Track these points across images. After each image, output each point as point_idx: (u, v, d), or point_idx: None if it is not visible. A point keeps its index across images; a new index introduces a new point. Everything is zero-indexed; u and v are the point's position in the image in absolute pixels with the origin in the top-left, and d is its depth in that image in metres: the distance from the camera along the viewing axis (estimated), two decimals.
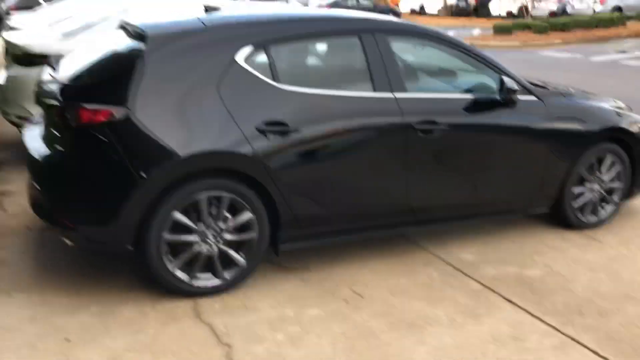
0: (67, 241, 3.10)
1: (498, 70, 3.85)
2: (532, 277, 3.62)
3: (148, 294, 3.20)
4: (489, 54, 4.05)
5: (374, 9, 30.88)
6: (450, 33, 4.48)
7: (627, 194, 4.49)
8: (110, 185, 2.95)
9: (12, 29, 6.13)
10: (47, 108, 3.31)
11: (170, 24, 3.33)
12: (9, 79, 5.20)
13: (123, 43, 3.30)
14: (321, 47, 3.71)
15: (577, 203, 4.26)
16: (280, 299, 3.26)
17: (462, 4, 34.91)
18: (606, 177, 4.32)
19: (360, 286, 3.44)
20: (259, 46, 3.23)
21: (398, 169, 3.53)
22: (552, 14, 28.45)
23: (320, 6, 26.81)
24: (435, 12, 35.88)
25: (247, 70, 3.15)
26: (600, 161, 4.27)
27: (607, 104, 4.44)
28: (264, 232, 3.28)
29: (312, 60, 3.72)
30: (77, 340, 2.81)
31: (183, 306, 3.14)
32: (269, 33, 3.30)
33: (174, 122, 3.02)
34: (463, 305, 3.27)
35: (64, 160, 3.05)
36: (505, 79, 3.73)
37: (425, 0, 37.87)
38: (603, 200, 4.40)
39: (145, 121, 2.95)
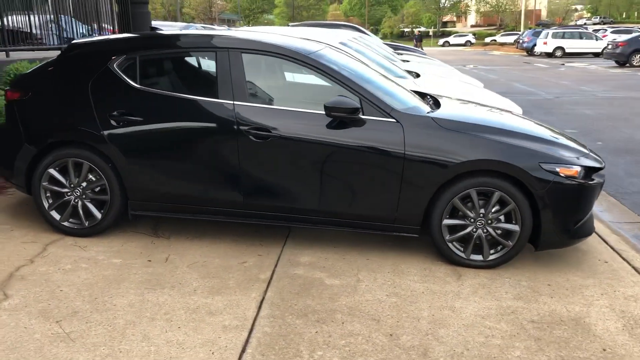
0: None
1: (351, 90, 4.08)
2: (306, 279, 3.81)
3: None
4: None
5: None
6: None
7: (542, 242, 4.07)
8: (12, 142, 4.40)
9: None
10: None
11: (95, 38, 4.62)
12: None
13: None
14: (185, 58, 4.51)
15: (451, 236, 4.10)
16: (113, 248, 4.26)
17: None
18: (492, 215, 4.04)
19: (176, 255, 4.20)
20: (131, 56, 4.28)
21: (231, 166, 4.14)
22: None
23: None
24: None
25: (114, 74, 4.25)
26: (488, 196, 4.03)
27: (525, 142, 4.04)
28: (115, 197, 4.31)
29: (174, 69, 4.54)
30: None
31: (48, 236, 4.41)
32: (141, 47, 4.33)
33: (55, 106, 4.31)
34: (221, 283, 3.76)
35: (3, 126, 4.60)
36: (342, 98, 3.96)
37: None
38: (495, 241, 4.10)
39: (37, 103, 4.32)
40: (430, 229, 4.11)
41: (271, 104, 4.16)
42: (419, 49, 18.95)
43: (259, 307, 3.48)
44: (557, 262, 4.28)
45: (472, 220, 4.05)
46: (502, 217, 4.05)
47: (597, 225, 5.23)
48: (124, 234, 4.53)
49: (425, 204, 4.04)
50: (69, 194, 4.36)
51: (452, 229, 4.11)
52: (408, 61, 10.23)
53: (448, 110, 4.37)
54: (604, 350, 3.14)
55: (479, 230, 4.07)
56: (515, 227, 4.02)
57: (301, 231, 4.68)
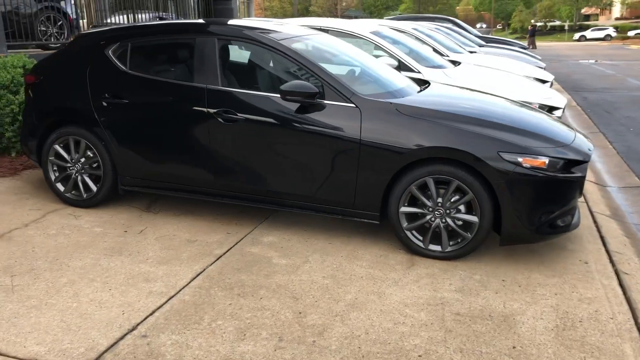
0: None
1: (315, 75, 4.12)
2: (256, 257, 3.93)
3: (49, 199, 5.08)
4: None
5: None
6: None
7: (503, 235, 3.87)
8: (29, 123, 4.96)
9: None
10: None
11: (101, 29, 5.06)
12: None
13: None
14: (171, 45, 4.73)
15: (410, 224, 4.03)
16: (102, 219, 4.67)
17: None
18: (450, 205, 3.91)
19: (152, 228, 4.50)
20: (123, 43, 4.66)
21: (203, 148, 4.36)
22: None
23: None
24: None
25: (109, 59, 4.65)
26: (447, 185, 3.91)
27: (496, 131, 3.84)
28: (107, 172, 4.72)
29: (159, 55, 4.77)
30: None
31: (52, 205, 4.92)
32: (133, 35, 4.68)
33: (59, 89, 4.80)
34: (174, 255, 3.99)
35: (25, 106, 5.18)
36: (299, 82, 4.02)
37: None
38: (455, 232, 3.97)
39: (46, 86, 4.84)
40: (388, 216, 4.05)
41: (241, 88, 4.30)
42: (519, 43, 17.99)
43: (194, 279, 3.66)
44: (530, 259, 4.03)
45: (431, 209, 3.94)
46: (461, 208, 3.89)
47: (612, 224, 4.82)
48: (120, 208, 4.93)
49: (382, 190, 3.99)
50: (70, 168, 4.83)
51: (411, 217, 4.02)
52: (475, 52, 9.89)
53: (419, 97, 4.26)
54: (513, 347, 2.96)
55: (438, 220, 3.94)
56: (473, 218, 3.85)
57: (283, 214, 4.79)
